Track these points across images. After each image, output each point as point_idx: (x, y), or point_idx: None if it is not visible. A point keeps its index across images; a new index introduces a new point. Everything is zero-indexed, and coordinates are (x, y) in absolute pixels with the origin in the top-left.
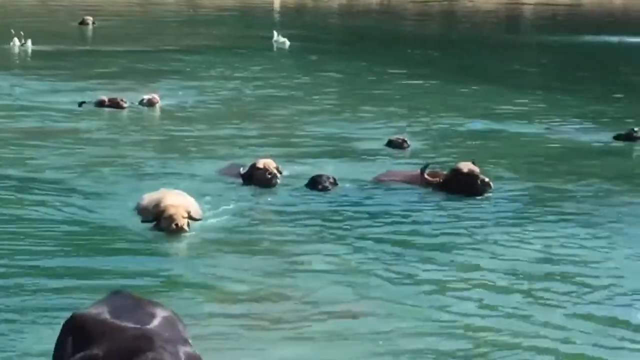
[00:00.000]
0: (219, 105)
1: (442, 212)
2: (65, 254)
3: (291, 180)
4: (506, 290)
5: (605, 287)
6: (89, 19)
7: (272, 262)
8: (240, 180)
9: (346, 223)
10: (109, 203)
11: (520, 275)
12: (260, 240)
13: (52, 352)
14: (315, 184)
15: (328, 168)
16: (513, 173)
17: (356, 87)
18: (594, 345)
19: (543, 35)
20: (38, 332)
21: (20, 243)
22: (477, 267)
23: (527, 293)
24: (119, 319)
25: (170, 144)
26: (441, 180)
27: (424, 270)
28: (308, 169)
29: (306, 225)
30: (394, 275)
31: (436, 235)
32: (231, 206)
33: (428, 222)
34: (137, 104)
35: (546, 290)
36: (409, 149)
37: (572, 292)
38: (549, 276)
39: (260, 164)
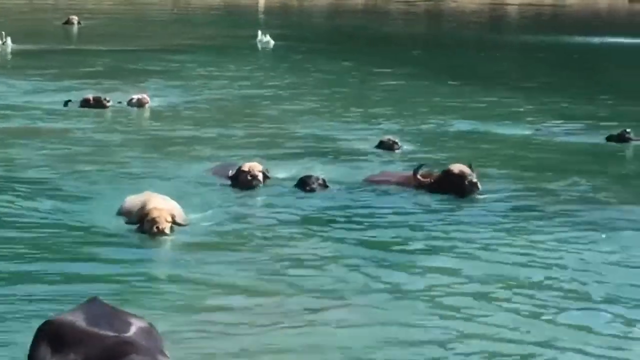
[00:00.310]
0: (206, 105)
1: (428, 214)
2: (44, 256)
3: (280, 181)
4: (487, 294)
5: (590, 290)
6: (74, 19)
7: (255, 263)
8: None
9: (331, 224)
10: (92, 204)
11: (504, 279)
12: (244, 241)
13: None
14: (303, 184)
15: (317, 169)
16: (504, 175)
17: (342, 87)
18: (579, 352)
19: (528, 35)
20: (14, 337)
21: None
22: (459, 271)
23: (510, 297)
24: (96, 327)
25: (158, 144)
26: (432, 181)
27: (407, 273)
28: (298, 170)
29: (290, 226)
30: (377, 278)
31: (421, 237)
32: (216, 207)
33: (413, 224)
34: (125, 103)
35: (530, 296)
36: (400, 150)
37: (557, 296)
38: (534, 280)
39: (246, 166)
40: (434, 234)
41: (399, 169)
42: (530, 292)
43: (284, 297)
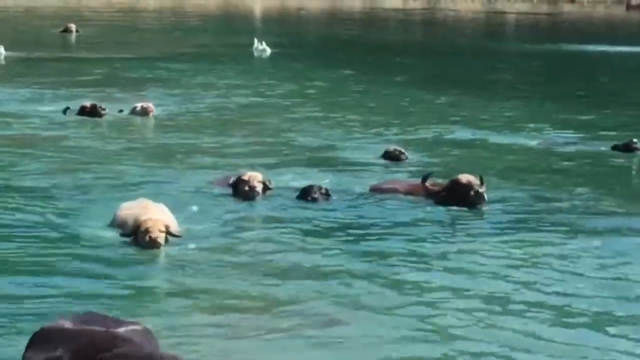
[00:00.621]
0: (206, 114)
1: (433, 225)
2: (37, 267)
3: (281, 191)
4: (493, 309)
5: (592, 301)
6: (72, 27)
7: (251, 275)
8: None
9: (334, 235)
10: (88, 213)
11: (510, 293)
12: (240, 252)
13: None
14: (305, 194)
15: (320, 179)
16: (509, 184)
17: (340, 95)
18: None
19: (526, 43)
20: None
21: None
22: (464, 284)
23: (518, 312)
24: (87, 326)
25: (159, 153)
26: (441, 190)
27: (409, 282)
28: (299, 179)
29: (290, 237)
30: (379, 288)
31: (426, 249)
32: (214, 217)
33: (418, 235)
34: (127, 112)
35: (534, 304)
36: (407, 160)
37: (558, 306)
38: (540, 294)
39: (246, 176)
40: (438, 245)
41: (404, 178)
42: (536, 307)
43: (282, 310)
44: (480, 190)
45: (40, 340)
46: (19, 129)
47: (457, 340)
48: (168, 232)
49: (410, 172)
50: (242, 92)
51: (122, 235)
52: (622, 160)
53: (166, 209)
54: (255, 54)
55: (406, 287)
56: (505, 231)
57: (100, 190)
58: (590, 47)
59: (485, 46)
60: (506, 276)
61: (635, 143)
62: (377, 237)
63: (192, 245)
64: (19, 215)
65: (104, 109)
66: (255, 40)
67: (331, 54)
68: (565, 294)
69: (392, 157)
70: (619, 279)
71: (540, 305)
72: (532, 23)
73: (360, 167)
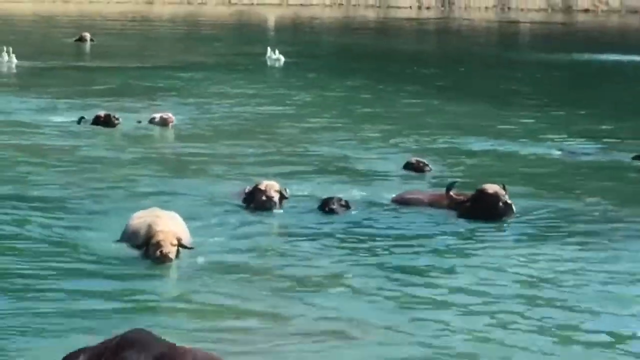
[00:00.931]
0: (221, 123)
1: (453, 236)
2: (44, 276)
3: (298, 200)
4: (513, 318)
5: (619, 313)
6: (87, 35)
7: (265, 289)
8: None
9: (350, 246)
10: (102, 225)
11: (532, 303)
12: (255, 265)
13: None
14: (323, 205)
15: (338, 189)
16: (530, 195)
17: (355, 105)
18: None
19: (540, 53)
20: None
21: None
22: (486, 296)
23: (536, 322)
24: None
25: (173, 162)
26: (465, 200)
27: (426, 295)
28: (316, 189)
29: (306, 249)
30: (394, 301)
31: (444, 261)
32: (229, 228)
33: (437, 247)
34: (145, 122)
35: (557, 319)
36: (430, 172)
37: (584, 320)
38: (560, 304)
39: (263, 185)
40: (461, 260)
41: (425, 189)
42: (558, 313)
43: (295, 324)
44: (509, 201)
45: None
46: (33, 138)
47: (482, 351)
48: (180, 245)
49: (430, 183)
50: (257, 101)
51: (133, 247)
52: None
53: (179, 218)
54: (269, 62)
55: (427, 304)
56: (529, 245)
57: (114, 200)
58: (605, 57)
59: (500, 55)
60: (532, 295)
61: None
62: (397, 250)
63: (205, 258)
64: (30, 226)
65: (117, 119)
66: (269, 49)
67: (345, 63)
68: (592, 312)
69: (414, 168)
70: None
71: (571, 328)
72: (546, 32)
73: (380, 177)
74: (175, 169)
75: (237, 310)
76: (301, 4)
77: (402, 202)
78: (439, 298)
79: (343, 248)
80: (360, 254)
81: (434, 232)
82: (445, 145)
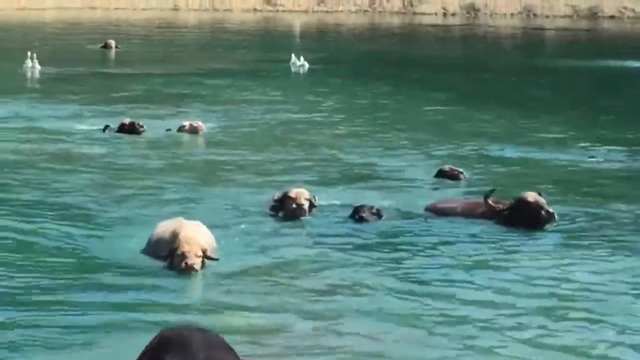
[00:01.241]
0: (249, 130)
1: (489, 245)
2: (68, 287)
3: (328, 209)
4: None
5: None
6: (112, 42)
7: (296, 296)
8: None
9: (381, 256)
10: (126, 233)
11: (566, 317)
12: (283, 276)
13: None
14: (354, 214)
15: (369, 198)
16: (564, 202)
17: (381, 111)
18: None
19: (566, 59)
20: None
21: (24, 270)
22: (520, 308)
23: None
24: None
25: (201, 170)
26: (504, 208)
27: (452, 307)
28: (347, 198)
29: (336, 260)
30: (426, 314)
31: (478, 272)
32: (257, 238)
33: (472, 257)
34: (174, 130)
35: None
36: (464, 180)
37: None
38: (597, 316)
39: (292, 192)
40: (496, 272)
41: (458, 197)
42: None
43: (327, 335)
44: (551, 209)
45: None
46: (58, 146)
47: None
48: (205, 256)
49: (463, 191)
50: (283, 108)
51: (157, 257)
52: None
53: (204, 228)
54: (293, 69)
55: (445, 313)
56: (567, 254)
57: (140, 209)
58: (630, 63)
59: (525, 62)
60: (568, 307)
61: None
62: (431, 260)
63: (234, 267)
64: (53, 235)
65: (141, 126)
66: (293, 55)
67: (370, 69)
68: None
69: (448, 175)
70: None
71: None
72: (571, 39)
73: (411, 185)
74: (203, 177)
75: (266, 323)
76: (327, 11)
77: (436, 211)
78: (463, 310)
79: (374, 258)
80: (392, 264)
81: (469, 242)
82: (474, 153)
